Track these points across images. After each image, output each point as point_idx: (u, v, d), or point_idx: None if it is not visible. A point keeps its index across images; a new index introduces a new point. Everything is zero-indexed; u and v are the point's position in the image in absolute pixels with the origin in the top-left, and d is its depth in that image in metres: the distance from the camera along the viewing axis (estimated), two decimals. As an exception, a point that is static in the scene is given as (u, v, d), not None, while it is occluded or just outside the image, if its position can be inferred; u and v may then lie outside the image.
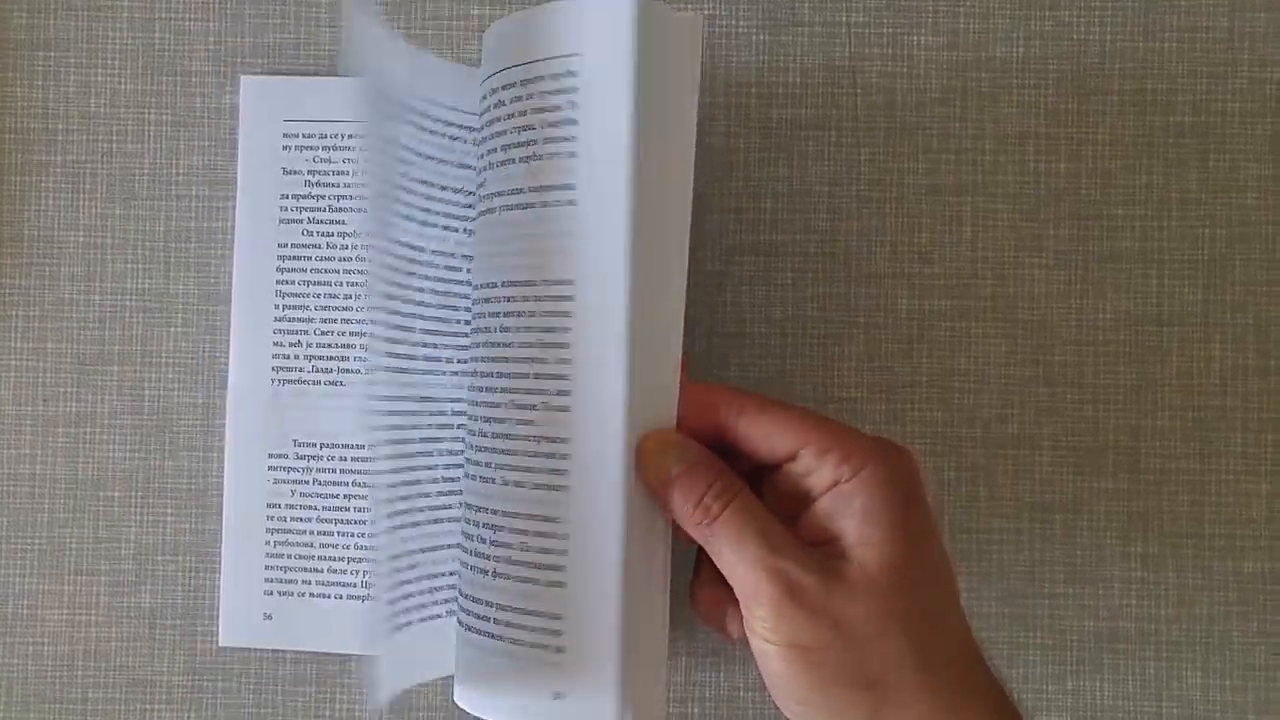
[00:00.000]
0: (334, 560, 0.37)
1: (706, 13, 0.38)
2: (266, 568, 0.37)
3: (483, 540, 0.30)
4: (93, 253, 0.39)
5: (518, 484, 0.29)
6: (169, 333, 0.39)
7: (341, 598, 0.37)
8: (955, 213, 0.38)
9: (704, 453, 0.29)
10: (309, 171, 0.38)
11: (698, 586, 0.31)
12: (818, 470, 0.28)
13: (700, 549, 0.30)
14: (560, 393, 0.29)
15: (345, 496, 0.37)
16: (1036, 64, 0.38)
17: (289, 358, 0.38)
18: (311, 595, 0.37)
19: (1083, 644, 0.37)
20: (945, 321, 0.38)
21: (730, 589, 0.28)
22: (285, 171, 0.38)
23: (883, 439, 0.29)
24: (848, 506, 0.28)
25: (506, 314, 0.30)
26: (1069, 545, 0.37)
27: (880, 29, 0.38)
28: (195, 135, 0.39)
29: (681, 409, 0.30)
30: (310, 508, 0.37)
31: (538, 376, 0.29)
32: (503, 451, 0.30)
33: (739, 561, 0.27)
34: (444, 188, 0.34)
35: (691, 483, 0.28)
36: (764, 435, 0.29)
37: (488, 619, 0.30)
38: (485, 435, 0.30)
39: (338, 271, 0.38)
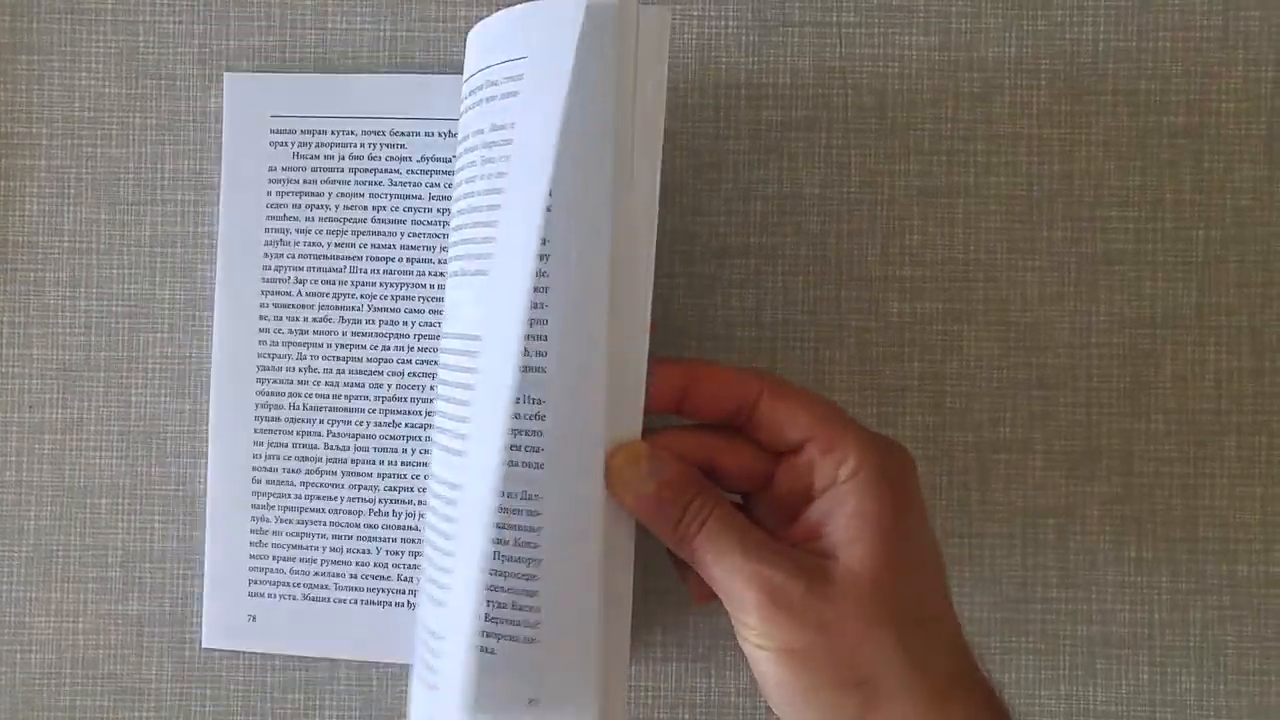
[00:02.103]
0: (316, 563, 0.37)
1: (695, 13, 0.38)
2: (251, 569, 0.37)
3: (447, 546, 0.30)
4: (78, 258, 0.38)
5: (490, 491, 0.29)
6: (155, 339, 0.38)
7: (327, 600, 0.37)
8: (947, 214, 0.38)
9: (677, 465, 0.29)
10: (296, 169, 0.37)
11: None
12: (820, 468, 0.28)
13: None
14: (535, 399, 0.29)
15: (326, 499, 0.37)
16: (1029, 64, 0.38)
17: (273, 357, 0.37)
18: (295, 599, 0.37)
19: (1076, 649, 0.37)
20: (937, 324, 0.38)
21: None
22: (271, 169, 0.37)
23: (883, 438, 0.29)
24: (842, 505, 0.28)
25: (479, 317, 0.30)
26: (1062, 549, 0.37)
27: (871, 29, 0.38)
28: (180, 139, 0.38)
29: (704, 388, 0.29)
30: (293, 509, 0.37)
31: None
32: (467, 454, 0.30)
33: (722, 573, 0.27)
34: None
35: (669, 500, 0.28)
36: (780, 421, 0.29)
37: (457, 624, 0.29)
38: (454, 441, 0.30)
39: (325, 269, 0.37)
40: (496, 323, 0.29)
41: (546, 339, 0.29)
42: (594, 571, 0.29)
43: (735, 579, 0.27)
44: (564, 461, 0.29)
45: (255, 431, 0.37)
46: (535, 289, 0.29)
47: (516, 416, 0.29)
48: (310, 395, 0.37)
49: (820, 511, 0.28)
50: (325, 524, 0.37)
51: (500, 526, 0.29)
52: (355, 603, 0.37)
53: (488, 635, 0.29)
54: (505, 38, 0.30)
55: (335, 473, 0.37)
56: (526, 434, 0.29)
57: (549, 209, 0.28)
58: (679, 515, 0.28)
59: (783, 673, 0.27)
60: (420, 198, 0.37)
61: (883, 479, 0.28)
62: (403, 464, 0.37)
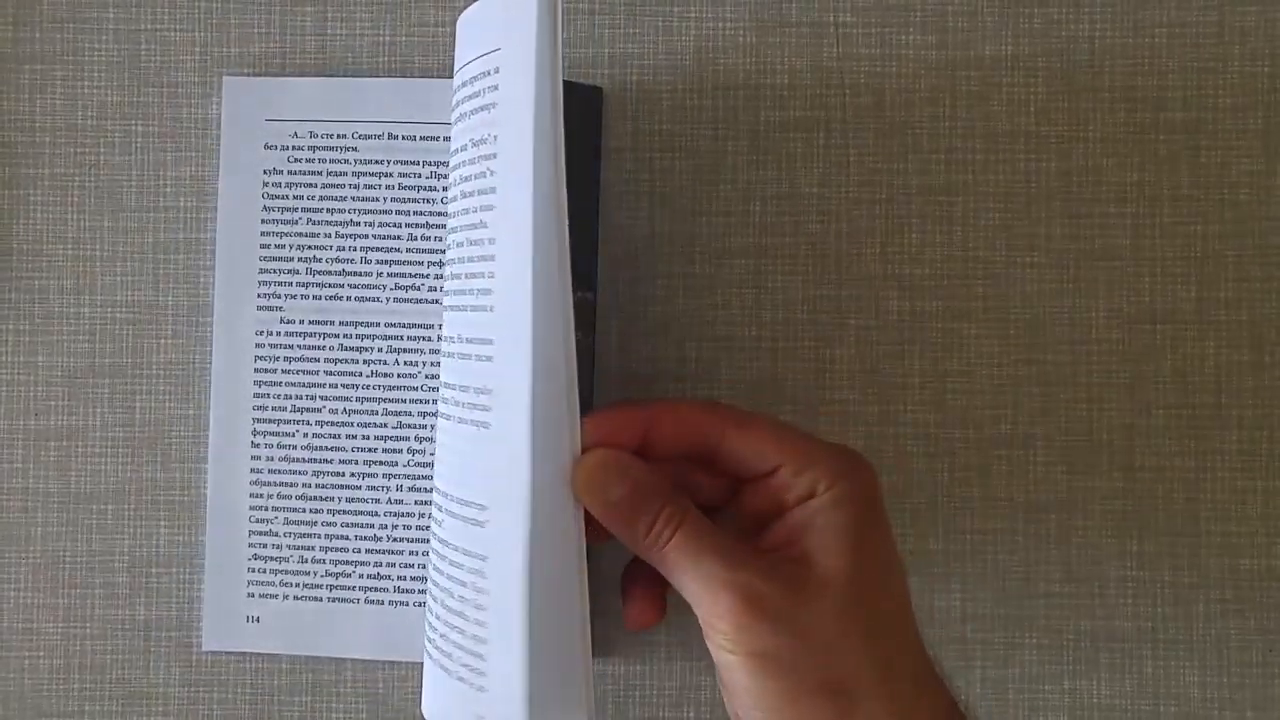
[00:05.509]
0: (315, 564, 0.37)
1: (693, 15, 0.38)
2: (250, 571, 0.37)
3: (435, 570, 0.31)
4: (81, 265, 0.39)
5: (451, 514, 0.30)
6: (159, 345, 0.38)
7: (321, 600, 0.37)
8: (946, 213, 0.38)
9: (646, 473, 0.28)
10: (293, 172, 0.38)
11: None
12: (794, 486, 0.29)
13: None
14: (482, 390, 0.29)
15: (325, 499, 0.37)
16: (1026, 61, 0.38)
17: (271, 360, 0.38)
18: (295, 599, 0.37)
19: (1079, 643, 0.37)
20: (937, 322, 0.38)
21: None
22: (267, 172, 0.38)
23: (848, 452, 0.30)
24: (817, 519, 0.28)
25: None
26: (1064, 545, 0.37)
27: (868, 28, 0.38)
28: (181, 146, 0.39)
29: (665, 429, 0.29)
30: (293, 510, 0.37)
31: (476, 389, 0.30)
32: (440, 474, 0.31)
33: (695, 579, 0.27)
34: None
35: (639, 508, 0.28)
36: (748, 455, 0.29)
37: (432, 641, 0.31)
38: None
39: (323, 273, 0.37)
40: (509, 369, 0.29)
41: (491, 375, 0.29)
42: (522, 595, 0.28)
43: (709, 585, 0.27)
44: (504, 466, 0.29)
45: (254, 434, 0.37)
46: (482, 291, 0.30)
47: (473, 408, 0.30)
48: (312, 399, 0.37)
49: (793, 524, 0.28)
50: (325, 524, 0.37)
51: (459, 550, 0.30)
52: (357, 602, 0.37)
53: (449, 655, 0.30)
54: (482, 28, 0.30)
55: (334, 473, 0.37)
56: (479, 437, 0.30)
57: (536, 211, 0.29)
58: (651, 521, 0.28)
59: (755, 680, 0.27)
60: (418, 201, 0.37)
61: (855, 495, 0.28)
62: (402, 464, 0.37)
